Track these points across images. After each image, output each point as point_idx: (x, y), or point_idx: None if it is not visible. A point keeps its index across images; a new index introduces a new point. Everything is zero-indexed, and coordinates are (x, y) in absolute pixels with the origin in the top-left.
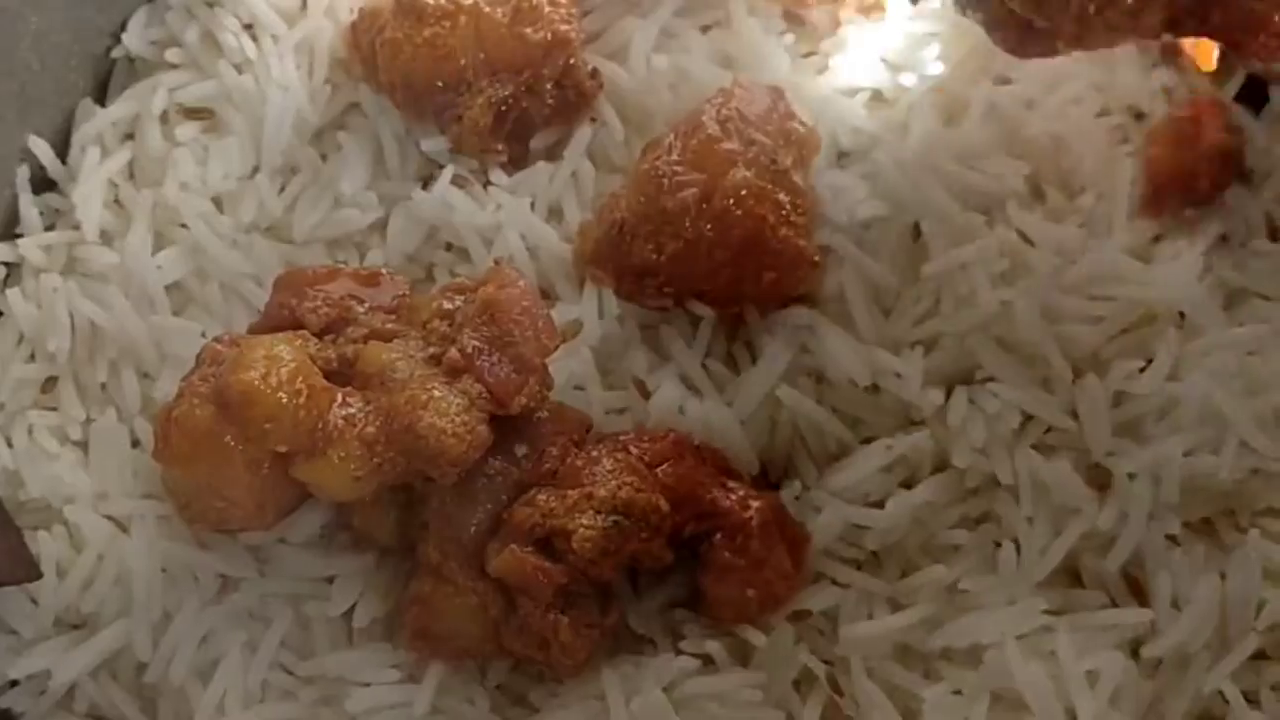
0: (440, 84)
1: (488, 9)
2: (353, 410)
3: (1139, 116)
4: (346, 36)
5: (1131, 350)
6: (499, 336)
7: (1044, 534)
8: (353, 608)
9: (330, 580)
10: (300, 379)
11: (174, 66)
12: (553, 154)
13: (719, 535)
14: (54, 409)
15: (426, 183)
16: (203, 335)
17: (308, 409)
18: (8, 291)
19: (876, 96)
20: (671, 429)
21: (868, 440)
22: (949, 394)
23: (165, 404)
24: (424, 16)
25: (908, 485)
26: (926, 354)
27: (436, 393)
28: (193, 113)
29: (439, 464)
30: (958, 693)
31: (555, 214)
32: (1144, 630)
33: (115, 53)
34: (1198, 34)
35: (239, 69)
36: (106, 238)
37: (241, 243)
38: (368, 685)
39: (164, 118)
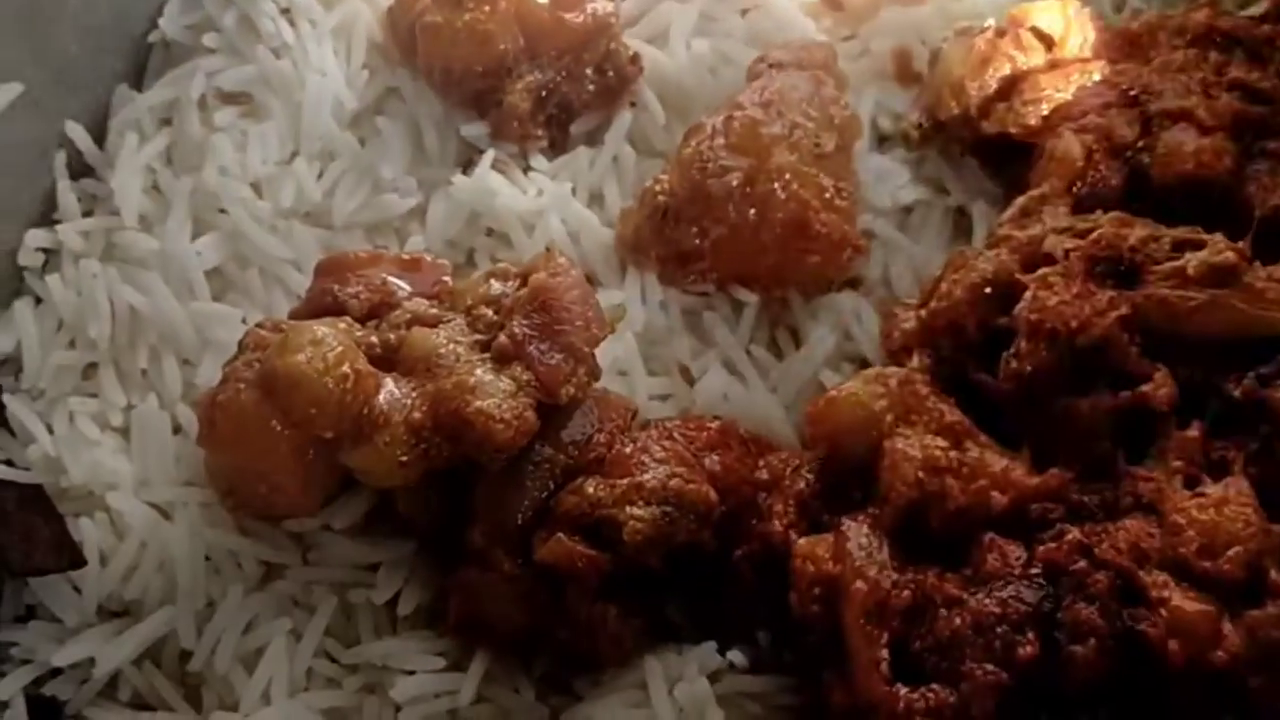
0: (480, 69)
1: None
2: (398, 395)
3: None
4: (384, 21)
5: None
6: (549, 324)
7: None
8: (397, 595)
9: (374, 567)
10: (346, 364)
11: (211, 51)
12: (593, 139)
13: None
14: (94, 395)
15: (466, 168)
16: (243, 321)
17: (354, 394)
18: (47, 278)
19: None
20: (717, 416)
21: None
22: None
23: (209, 389)
24: (463, 1)
25: None
26: None
27: (485, 377)
28: (230, 98)
29: (486, 449)
30: None
31: (596, 199)
32: None
33: (152, 37)
34: None
35: (277, 54)
36: (145, 223)
37: (281, 228)
38: (412, 673)
39: (202, 103)
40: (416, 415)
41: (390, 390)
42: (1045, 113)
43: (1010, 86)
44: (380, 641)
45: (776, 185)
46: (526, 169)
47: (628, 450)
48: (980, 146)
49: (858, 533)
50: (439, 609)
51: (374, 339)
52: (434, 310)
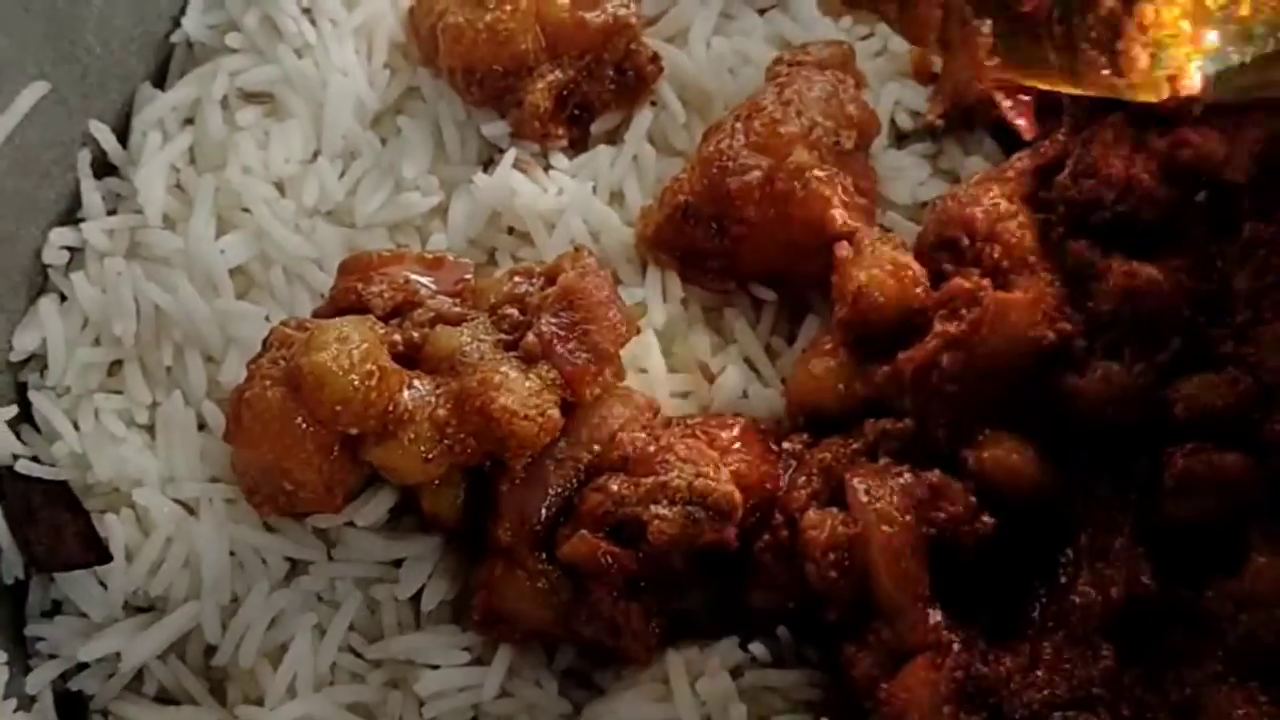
0: (501, 68)
1: None
2: (423, 393)
3: None
4: (406, 21)
5: None
6: (577, 323)
7: None
8: (421, 590)
9: (399, 563)
10: (371, 361)
11: (234, 51)
12: (613, 138)
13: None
14: (120, 392)
15: (487, 167)
16: (266, 319)
17: (379, 391)
18: (72, 275)
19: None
20: (739, 414)
21: None
22: None
23: (236, 386)
24: (484, 1)
25: None
26: None
27: (510, 375)
28: (253, 97)
29: (510, 446)
30: None
31: (617, 198)
32: None
33: (175, 37)
34: None
35: (299, 53)
36: (169, 222)
37: (304, 227)
38: (436, 668)
39: (224, 102)
40: (441, 412)
41: (414, 388)
42: None
43: None
44: (404, 637)
45: (796, 183)
46: (547, 168)
47: (651, 449)
48: (1004, 127)
49: (865, 483)
50: (463, 604)
51: (397, 337)
52: (457, 308)
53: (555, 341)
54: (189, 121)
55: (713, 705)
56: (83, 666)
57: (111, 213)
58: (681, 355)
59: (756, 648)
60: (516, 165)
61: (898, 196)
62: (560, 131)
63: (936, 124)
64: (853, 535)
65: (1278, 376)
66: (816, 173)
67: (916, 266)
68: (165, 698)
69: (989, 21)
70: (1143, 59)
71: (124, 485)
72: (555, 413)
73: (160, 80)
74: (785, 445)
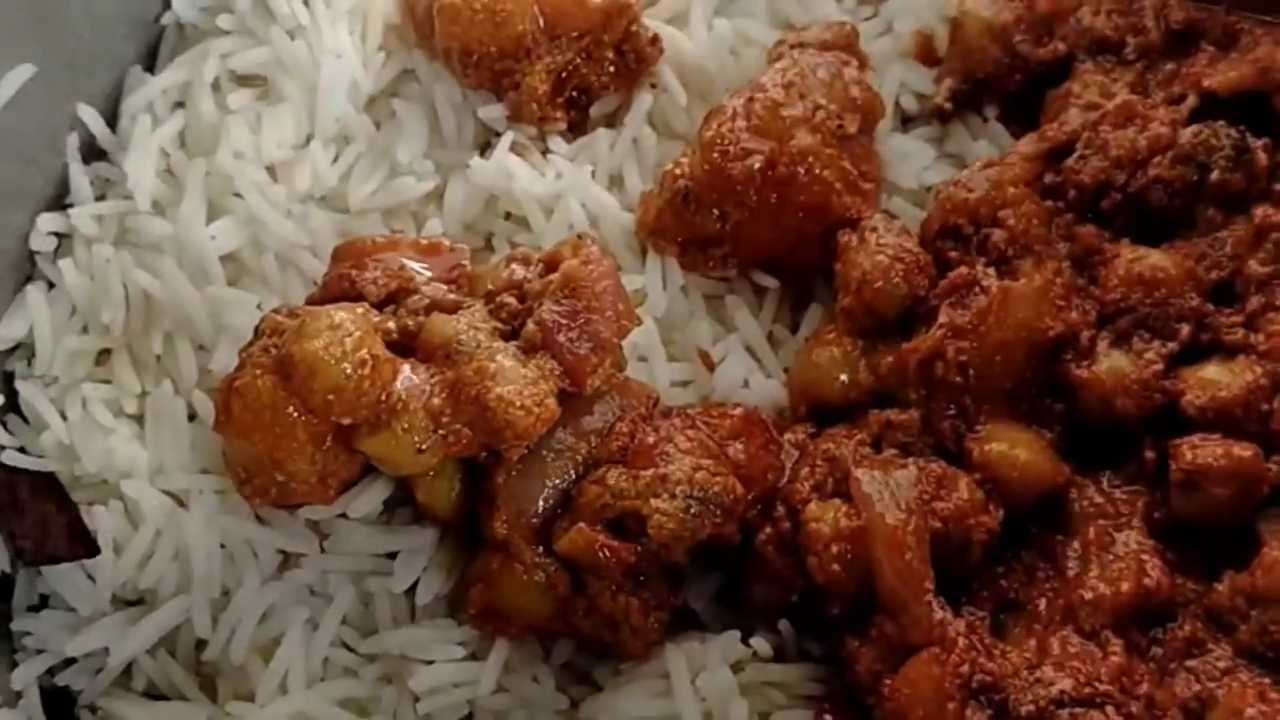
0: (497, 50)
1: None
2: (417, 381)
3: None
4: (401, 2)
5: None
6: (579, 312)
7: None
8: (416, 584)
9: (392, 556)
10: (364, 349)
11: (225, 33)
12: (613, 121)
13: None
14: (108, 382)
15: (484, 150)
16: (258, 307)
17: (372, 380)
18: (59, 262)
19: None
20: (740, 403)
21: None
22: None
23: (226, 375)
24: None
25: None
26: None
27: (506, 364)
28: (245, 80)
29: (506, 437)
30: None
31: (616, 182)
32: None
33: (165, 19)
34: None
35: (291, 35)
36: (159, 207)
37: (296, 213)
38: (431, 663)
39: (216, 85)
40: (436, 402)
41: (409, 377)
42: None
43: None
44: (398, 631)
45: (799, 168)
46: (545, 152)
47: (651, 440)
48: (1013, 100)
49: (869, 475)
50: (458, 598)
51: (391, 325)
52: (453, 296)
53: (556, 330)
54: (179, 105)
55: (713, 701)
56: (70, 661)
57: (100, 198)
58: (681, 343)
59: (758, 642)
60: (513, 149)
61: (902, 181)
62: (558, 114)
63: (943, 107)
64: (856, 528)
65: None
66: (820, 157)
67: (922, 254)
68: (154, 693)
69: None
70: None
71: (112, 476)
72: (552, 402)
73: (150, 63)
74: (787, 436)
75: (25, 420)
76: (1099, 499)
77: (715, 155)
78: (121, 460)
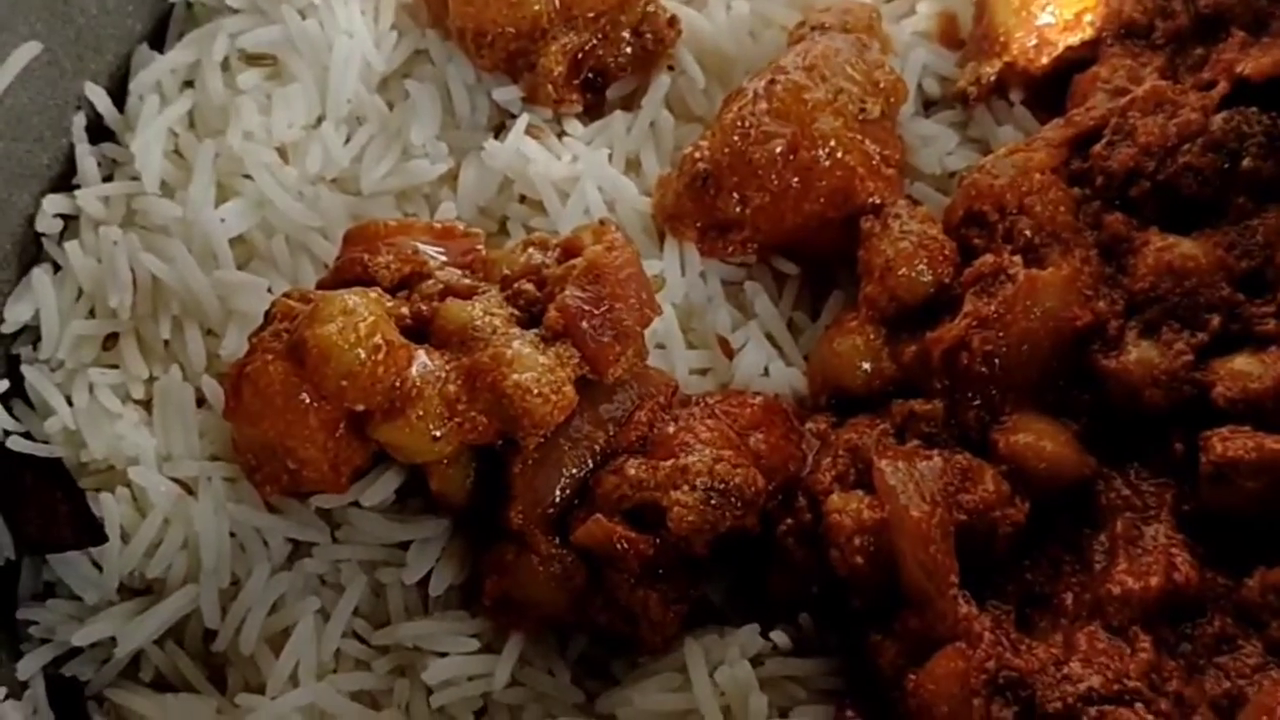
0: (513, 30)
1: None
2: (432, 368)
3: None
4: None
5: None
6: (601, 299)
7: None
8: (429, 574)
9: (406, 546)
10: (378, 335)
11: (235, 11)
12: (630, 103)
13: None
14: (115, 367)
15: (499, 133)
16: (269, 291)
17: (386, 366)
18: (66, 244)
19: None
20: (760, 392)
21: None
22: None
23: (236, 360)
24: None
25: None
26: None
27: (523, 350)
28: (255, 59)
29: (523, 425)
30: None
31: (633, 166)
32: None
33: None
34: None
35: (303, 14)
36: (167, 189)
37: (307, 195)
38: (445, 655)
39: (225, 64)
40: (451, 388)
41: (423, 362)
42: None
43: None
44: (411, 622)
45: (820, 152)
46: (561, 134)
47: (670, 430)
48: (1039, 88)
49: (893, 466)
50: (472, 589)
51: (405, 310)
52: (467, 280)
53: (580, 317)
54: (188, 84)
55: (732, 695)
56: (76, 651)
57: (107, 179)
58: (700, 330)
59: (778, 635)
60: (529, 131)
61: (926, 166)
62: (574, 97)
63: (967, 90)
64: (879, 520)
65: None
66: (842, 141)
67: (946, 241)
68: (162, 684)
69: None
70: None
71: (119, 463)
72: (570, 390)
73: (158, 41)
74: (809, 425)
75: (31, 405)
76: (1127, 491)
77: (735, 138)
78: (129, 447)
